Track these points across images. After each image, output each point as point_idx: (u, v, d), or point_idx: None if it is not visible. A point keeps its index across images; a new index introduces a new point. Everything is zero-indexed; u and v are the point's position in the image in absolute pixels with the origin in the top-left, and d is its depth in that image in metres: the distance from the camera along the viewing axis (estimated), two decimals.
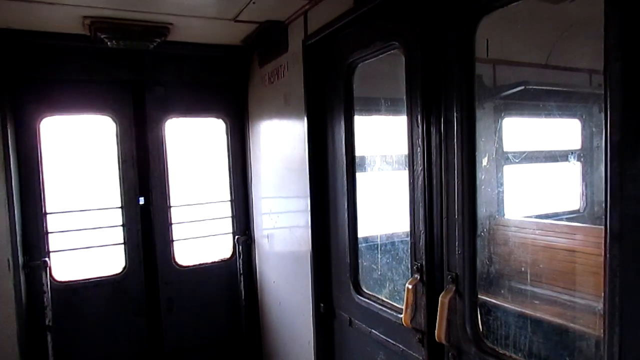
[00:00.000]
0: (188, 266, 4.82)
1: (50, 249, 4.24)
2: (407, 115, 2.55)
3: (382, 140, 3.50)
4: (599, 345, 1.80)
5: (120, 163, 4.47)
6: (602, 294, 1.65)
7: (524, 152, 3.51)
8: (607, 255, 1.62)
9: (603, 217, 1.63)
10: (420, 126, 2.45)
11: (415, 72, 2.47)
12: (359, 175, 3.23)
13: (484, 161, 2.33)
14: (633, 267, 1.55)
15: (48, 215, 4.22)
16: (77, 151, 4.56)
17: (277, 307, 4.52)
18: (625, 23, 1.52)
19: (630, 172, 1.54)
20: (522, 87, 4.05)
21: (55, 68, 4.10)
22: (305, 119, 3.54)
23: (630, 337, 1.57)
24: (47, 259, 4.14)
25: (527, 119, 4.37)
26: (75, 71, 4.21)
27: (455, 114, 2.26)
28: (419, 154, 2.47)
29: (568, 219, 4.00)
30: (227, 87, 4.87)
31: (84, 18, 3.54)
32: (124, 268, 4.53)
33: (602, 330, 1.66)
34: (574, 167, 4.02)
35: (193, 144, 5.06)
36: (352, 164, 3.23)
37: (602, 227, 1.64)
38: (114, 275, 4.50)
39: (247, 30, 4.05)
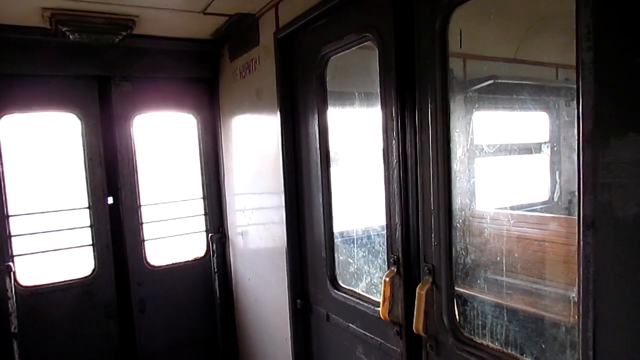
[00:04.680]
0: (160, 266, 4.70)
1: (14, 253, 4.06)
2: (382, 108, 2.54)
3: (358, 133, 3.49)
4: (572, 332, 1.83)
5: (87, 161, 4.31)
6: (576, 281, 1.67)
7: (495, 145, 3.56)
8: (581, 243, 1.64)
9: (570, 206, 1.66)
10: (394, 119, 2.44)
11: (389, 64, 2.46)
12: (334, 169, 3.21)
13: (459, 153, 2.34)
14: (606, 254, 1.58)
15: (10, 218, 4.04)
16: (41, 150, 4.39)
17: (253, 305, 4.47)
18: (596, 12, 1.54)
19: (602, 160, 1.56)
20: (492, 81, 4.10)
21: (14, 63, 3.89)
22: (278, 113, 3.49)
23: (603, 323, 1.60)
24: (10, 263, 3.96)
25: (497, 112, 4.44)
26: (37, 66, 4.00)
27: (429, 106, 2.26)
28: (394, 146, 2.46)
29: (540, 209, 4.09)
30: (198, 82, 4.77)
31: (44, 10, 3.38)
32: (94, 270, 4.38)
33: (575, 317, 1.69)
34: (544, 159, 4.10)
35: (163, 140, 4.94)
36: (326, 158, 3.20)
37: (572, 216, 1.66)
38: (83, 278, 4.35)
39: (217, 23, 3.96)
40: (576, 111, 1.62)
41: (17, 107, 4.03)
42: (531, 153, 4.06)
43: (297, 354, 3.65)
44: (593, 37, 1.55)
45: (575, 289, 1.68)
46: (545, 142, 4.30)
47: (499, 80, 4.13)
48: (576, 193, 1.66)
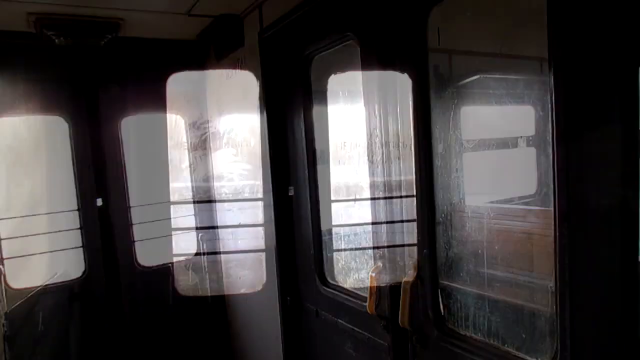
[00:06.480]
0: (151, 267, 4.71)
1: (4, 256, 4.06)
2: (365, 105, 2.57)
3: (343, 131, 3.52)
4: (551, 321, 1.88)
5: (75, 164, 4.31)
6: (553, 271, 1.71)
7: (481, 140, 3.59)
8: (557, 234, 1.68)
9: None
10: (377, 116, 2.48)
11: (370, 62, 2.50)
12: (320, 167, 3.24)
13: (440, 148, 2.38)
14: (580, 244, 1.62)
15: (0, 221, 4.03)
16: (28, 152, 4.37)
17: (244, 303, 4.50)
18: (566, 9, 1.58)
19: (575, 153, 1.60)
20: (478, 76, 4.13)
21: (0, 67, 3.90)
22: (265, 113, 3.51)
23: (580, 312, 1.64)
24: (1, 266, 3.96)
25: (483, 107, 4.47)
26: (23, 70, 4.00)
27: (410, 102, 2.30)
28: (378, 143, 2.50)
29: (524, 203, 4.13)
30: (184, 83, 4.77)
31: (29, 15, 3.38)
32: (84, 272, 4.38)
33: (554, 307, 1.73)
34: (529, 153, 4.15)
35: (151, 141, 4.93)
36: (313, 157, 3.23)
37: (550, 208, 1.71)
38: (73, 279, 4.35)
39: (202, 24, 3.97)
40: (550, 106, 1.66)
41: (4, 110, 4.02)
42: (516, 147, 4.09)
43: (288, 351, 3.69)
44: (564, 33, 1.59)
45: (553, 279, 1.73)
46: (529, 136, 4.34)
47: (485, 75, 4.15)
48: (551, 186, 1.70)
